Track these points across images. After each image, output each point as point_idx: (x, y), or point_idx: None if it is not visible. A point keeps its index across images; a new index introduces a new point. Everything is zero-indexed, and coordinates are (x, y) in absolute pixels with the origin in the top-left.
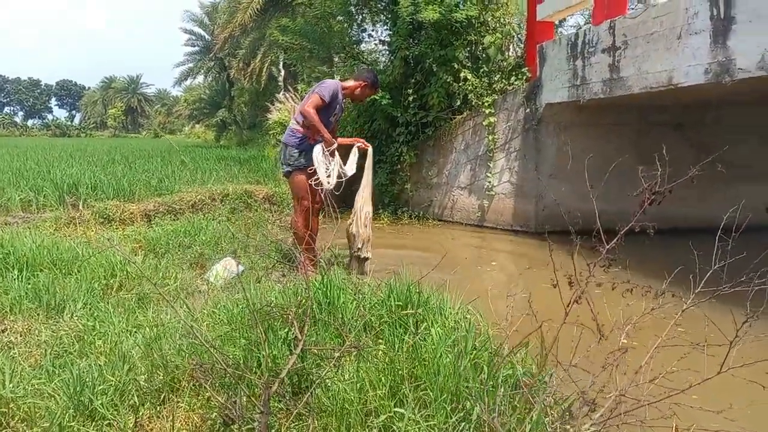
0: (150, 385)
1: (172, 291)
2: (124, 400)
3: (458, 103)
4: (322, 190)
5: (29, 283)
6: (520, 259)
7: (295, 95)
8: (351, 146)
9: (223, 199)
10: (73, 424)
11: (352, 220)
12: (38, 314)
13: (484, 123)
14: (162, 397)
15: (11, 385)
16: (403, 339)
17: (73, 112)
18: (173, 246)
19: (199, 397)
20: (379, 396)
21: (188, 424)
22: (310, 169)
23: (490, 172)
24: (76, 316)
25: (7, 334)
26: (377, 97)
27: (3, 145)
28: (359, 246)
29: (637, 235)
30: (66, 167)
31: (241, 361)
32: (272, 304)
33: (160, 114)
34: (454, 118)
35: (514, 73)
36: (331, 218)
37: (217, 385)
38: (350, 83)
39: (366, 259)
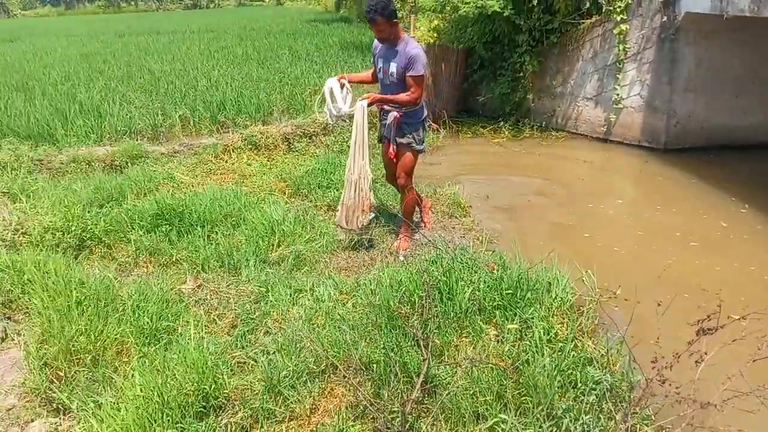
0: (317, 367)
1: (320, 248)
2: (300, 379)
3: (587, 6)
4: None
5: (211, 243)
6: (649, 191)
7: None
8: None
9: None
10: (270, 405)
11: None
12: (222, 273)
13: (614, 31)
14: (326, 377)
15: (223, 365)
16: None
17: None
18: (314, 186)
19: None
20: (488, 401)
21: (345, 402)
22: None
23: (619, 84)
24: (251, 277)
25: (203, 289)
26: (497, 8)
27: (145, 30)
28: (345, 219)
29: None
30: (209, 69)
31: (381, 365)
32: (399, 299)
33: None
34: (582, 23)
35: None
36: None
37: (362, 381)
38: None
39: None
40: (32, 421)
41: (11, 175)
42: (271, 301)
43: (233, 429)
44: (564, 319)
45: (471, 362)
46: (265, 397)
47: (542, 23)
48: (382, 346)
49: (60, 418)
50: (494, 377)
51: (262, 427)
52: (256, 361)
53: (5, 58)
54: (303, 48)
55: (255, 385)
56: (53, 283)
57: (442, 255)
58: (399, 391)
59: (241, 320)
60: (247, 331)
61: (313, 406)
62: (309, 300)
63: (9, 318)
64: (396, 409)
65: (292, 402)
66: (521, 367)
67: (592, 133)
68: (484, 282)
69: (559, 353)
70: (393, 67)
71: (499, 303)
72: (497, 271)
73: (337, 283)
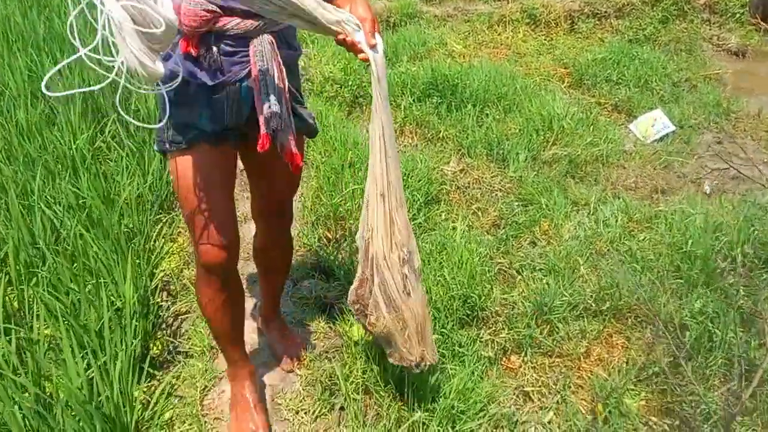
0: (597, 306)
1: (601, 154)
2: (572, 312)
3: None
4: None
5: (481, 126)
6: None
7: None
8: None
9: (654, 4)
10: (535, 330)
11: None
12: (488, 162)
13: None
14: (605, 320)
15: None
16: None
17: None
18: (600, 79)
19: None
20: None
21: (625, 357)
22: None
23: None
24: (519, 174)
25: (466, 175)
26: None
27: None
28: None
29: None
30: None
31: (693, 335)
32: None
33: None
34: None
35: None
36: None
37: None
38: None
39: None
40: (304, 279)
41: None
42: (542, 208)
43: (494, 347)
44: None
45: None
46: (532, 323)
47: None
48: (695, 308)
49: (329, 283)
50: None
51: (525, 354)
52: (520, 274)
53: None
54: None
55: (520, 304)
56: (331, 138)
57: None
58: (710, 373)
59: (504, 221)
60: (512, 235)
61: (587, 351)
62: (588, 219)
63: None
64: (700, 391)
65: (561, 337)
66: None
67: None
68: None
69: None
70: None
71: None
72: None
73: (628, 205)
